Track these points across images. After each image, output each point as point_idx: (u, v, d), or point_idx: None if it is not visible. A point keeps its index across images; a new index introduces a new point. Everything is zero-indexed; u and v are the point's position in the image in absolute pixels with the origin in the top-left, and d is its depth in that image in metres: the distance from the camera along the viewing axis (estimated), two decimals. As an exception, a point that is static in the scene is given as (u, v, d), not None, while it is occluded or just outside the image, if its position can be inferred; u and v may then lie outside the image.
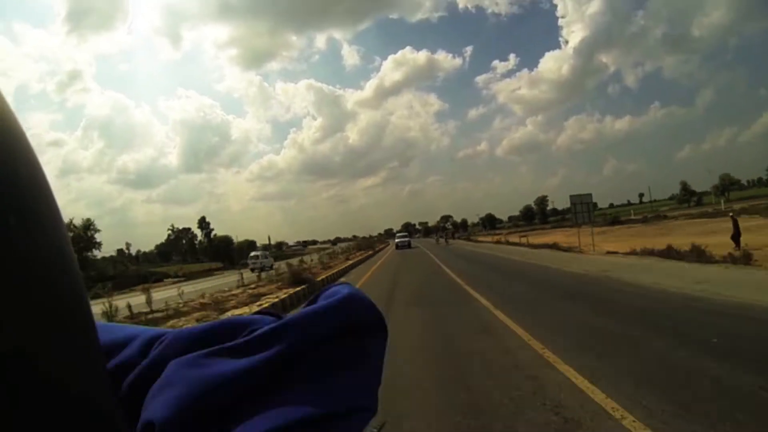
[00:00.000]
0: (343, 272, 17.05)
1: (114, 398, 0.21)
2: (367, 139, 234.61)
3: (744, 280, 6.65)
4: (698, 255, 9.31)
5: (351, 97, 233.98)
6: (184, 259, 64.31)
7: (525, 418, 2.62)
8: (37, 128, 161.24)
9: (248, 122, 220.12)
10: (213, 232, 56.26)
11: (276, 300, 8.37)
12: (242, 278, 14.28)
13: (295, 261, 18.89)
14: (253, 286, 12.59)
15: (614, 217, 50.55)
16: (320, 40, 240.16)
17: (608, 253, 13.12)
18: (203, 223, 56.65)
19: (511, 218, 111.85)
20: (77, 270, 0.19)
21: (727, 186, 76.90)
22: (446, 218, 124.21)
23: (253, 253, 32.93)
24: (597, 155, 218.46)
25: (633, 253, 11.85)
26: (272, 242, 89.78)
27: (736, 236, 11.46)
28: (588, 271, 9.51)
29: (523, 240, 24.85)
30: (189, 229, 67.68)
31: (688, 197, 79.48)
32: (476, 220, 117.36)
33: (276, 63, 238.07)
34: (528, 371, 3.41)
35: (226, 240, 54.29)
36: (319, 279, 12.69)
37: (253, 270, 21.43)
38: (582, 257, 13.26)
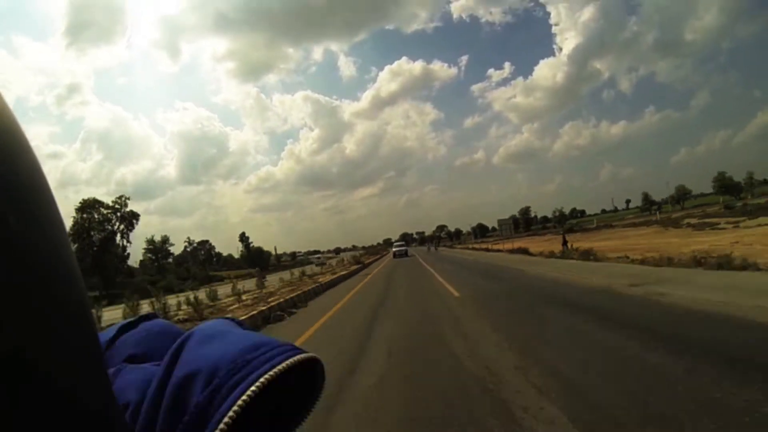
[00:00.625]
0: (371, 263, 30.18)
1: (114, 398, 0.21)
2: (364, 150, 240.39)
3: (537, 263, 17.08)
4: (549, 254, 21.11)
5: (348, 108, 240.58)
6: (204, 268, 74.29)
7: (425, 280, 13.67)
8: (36, 141, 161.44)
9: (246, 134, 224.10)
10: (251, 244, 68.57)
11: (350, 269, 20.61)
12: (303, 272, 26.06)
13: (334, 261, 31.07)
14: (322, 272, 24.65)
15: (570, 227, 63.11)
16: (317, 52, 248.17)
17: (510, 251, 25.28)
18: (243, 237, 68.78)
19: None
20: (77, 270, 0.19)
21: (681, 196, 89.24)
22: (441, 228, 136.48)
23: (317, 255, 46.54)
24: (593, 161, 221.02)
25: (513, 250, 24.05)
26: (278, 252, 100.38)
27: (564, 243, 23.79)
28: (478, 258, 21.14)
29: (487, 246, 36.93)
30: (207, 241, 78.42)
31: (648, 206, 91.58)
32: (468, 229, 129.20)
33: (273, 75, 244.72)
34: (429, 278, 14.24)
35: (260, 250, 66.83)
36: (367, 262, 26.19)
37: (317, 265, 33.36)
38: (488, 254, 25.24)
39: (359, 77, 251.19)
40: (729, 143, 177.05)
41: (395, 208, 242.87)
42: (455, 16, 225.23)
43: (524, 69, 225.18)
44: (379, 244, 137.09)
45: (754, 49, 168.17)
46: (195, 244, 78.19)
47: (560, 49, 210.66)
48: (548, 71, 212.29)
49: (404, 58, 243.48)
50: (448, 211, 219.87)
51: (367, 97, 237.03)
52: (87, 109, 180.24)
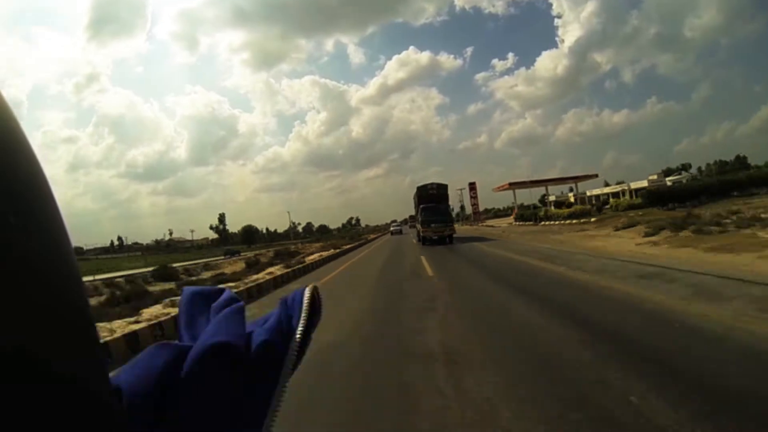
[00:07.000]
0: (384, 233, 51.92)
1: (115, 396, 0.21)
2: (370, 132, 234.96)
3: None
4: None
5: (355, 94, 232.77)
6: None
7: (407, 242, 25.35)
8: (51, 126, 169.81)
9: (255, 117, 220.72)
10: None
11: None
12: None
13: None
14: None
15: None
16: (328, 44, 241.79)
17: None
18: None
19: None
20: (77, 269, 0.19)
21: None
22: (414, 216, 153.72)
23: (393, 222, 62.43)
24: (595, 147, 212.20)
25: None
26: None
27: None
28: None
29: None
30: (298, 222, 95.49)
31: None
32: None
33: (286, 65, 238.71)
34: (407, 236, 26.45)
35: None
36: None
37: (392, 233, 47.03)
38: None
39: (368, 65, 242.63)
40: (732, 135, 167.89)
41: (399, 188, 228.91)
42: (462, 9, 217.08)
43: (527, 60, 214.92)
44: (386, 223, 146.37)
45: (754, 47, 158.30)
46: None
47: (562, 41, 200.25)
48: (550, 62, 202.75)
49: (412, 48, 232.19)
50: (452, 193, 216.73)
51: (374, 84, 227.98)
52: (103, 96, 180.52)
